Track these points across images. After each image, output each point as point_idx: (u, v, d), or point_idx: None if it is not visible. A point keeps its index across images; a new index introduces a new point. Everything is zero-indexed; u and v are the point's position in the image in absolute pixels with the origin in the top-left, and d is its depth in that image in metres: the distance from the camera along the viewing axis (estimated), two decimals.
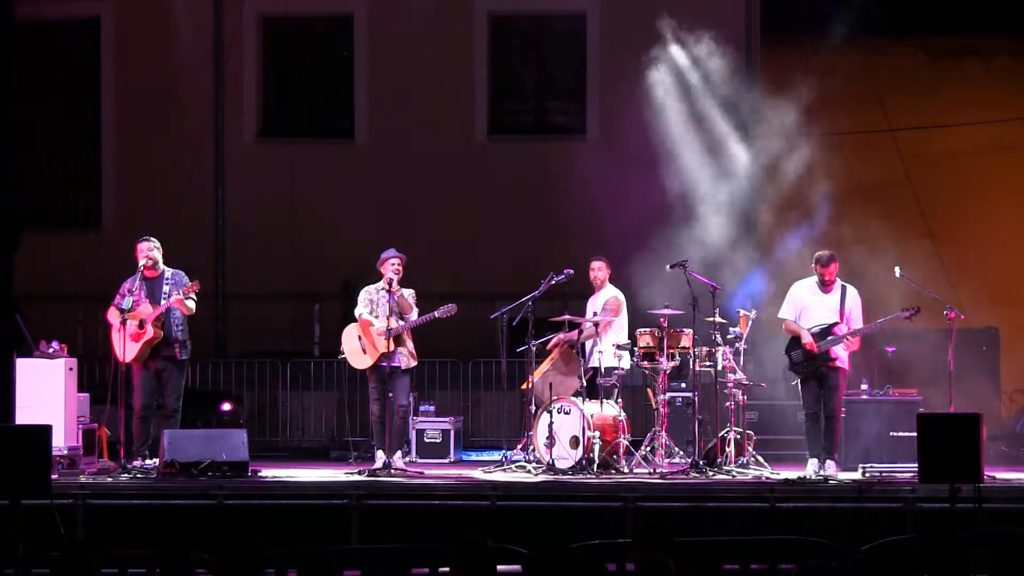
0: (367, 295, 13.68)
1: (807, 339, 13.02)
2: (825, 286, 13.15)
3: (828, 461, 12.98)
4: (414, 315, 13.46)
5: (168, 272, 13.48)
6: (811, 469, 12.92)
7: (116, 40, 19.78)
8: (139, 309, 13.29)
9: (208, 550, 7.81)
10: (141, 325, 13.23)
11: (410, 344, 13.59)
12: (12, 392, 13.40)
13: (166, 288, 13.35)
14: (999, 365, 17.23)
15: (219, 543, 6.96)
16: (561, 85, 19.80)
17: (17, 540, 10.73)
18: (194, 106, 19.30)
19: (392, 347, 13.29)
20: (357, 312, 13.71)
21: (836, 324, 13.06)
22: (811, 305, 13.18)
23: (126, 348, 13.22)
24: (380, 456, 13.47)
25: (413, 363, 13.65)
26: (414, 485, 12.71)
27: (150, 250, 13.49)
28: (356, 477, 12.91)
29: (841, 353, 13.06)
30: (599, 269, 14.14)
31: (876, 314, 13.29)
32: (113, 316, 13.47)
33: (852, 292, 13.18)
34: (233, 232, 19.46)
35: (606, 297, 14.07)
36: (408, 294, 13.61)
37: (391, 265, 13.48)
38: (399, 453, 13.62)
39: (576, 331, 14.14)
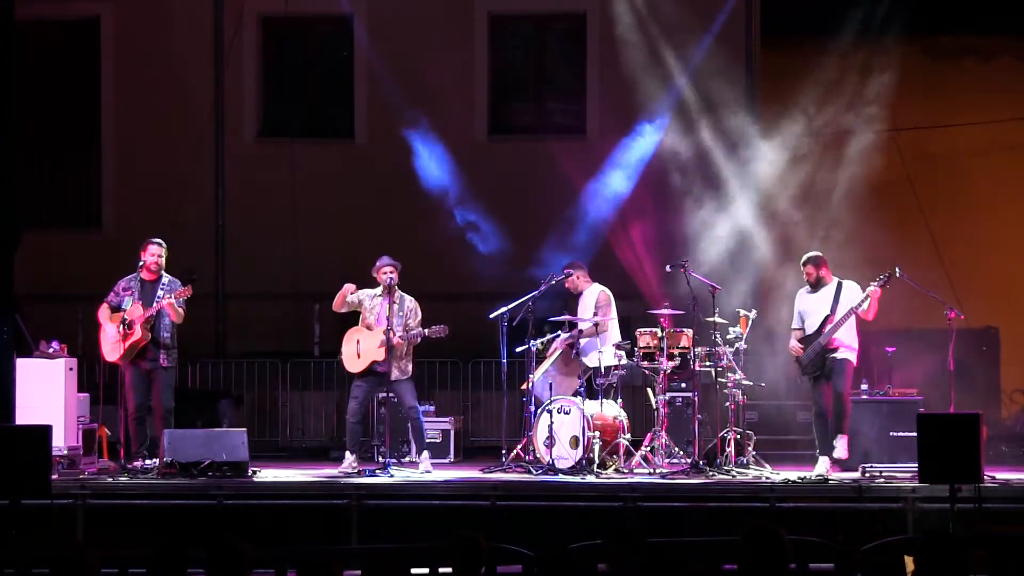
0: (357, 298, 13.65)
1: (792, 348, 13.31)
2: (812, 288, 13.27)
3: (840, 438, 12.99)
4: (400, 337, 13.45)
5: (166, 279, 13.45)
6: (822, 467, 12.93)
7: (116, 40, 19.76)
8: (130, 310, 13.29)
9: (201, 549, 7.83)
10: (130, 326, 13.21)
11: (404, 360, 13.55)
12: (12, 392, 13.41)
13: (160, 293, 13.32)
14: (999, 365, 17.23)
15: (208, 543, 6.95)
16: (561, 85, 19.79)
17: (17, 540, 10.74)
18: (194, 106, 19.28)
19: (385, 355, 13.29)
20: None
21: (828, 317, 13.13)
22: (807, 308, 13.33)
23: (113, 348, 13.23)
24: (348, 457, 13.44)
25: (403, 377, 13.61)
26: (414, 485, 12.71)
27: (160, 255, 13.47)
28: (356, 477, 12.92)
29: (845, 341, 13.10)
30: (571, 277, 14.12)
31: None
32: (103, 314, 13.45)
33: (847, 286, 13.24)
34: (233, 232, 19.45)
35: (593, 296, 14.07)
36: (410, 301, 13.60)
37: (384, 272, 13.50)
38: (426, 454, 13.65)
39: (576, 331, 14.13)
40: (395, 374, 13.40)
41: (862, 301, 12.97)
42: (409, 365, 13.57)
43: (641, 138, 17.68)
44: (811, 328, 13.22)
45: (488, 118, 19.58)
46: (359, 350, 13.51)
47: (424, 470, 13.38)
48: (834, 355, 13.09)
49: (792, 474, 12.73)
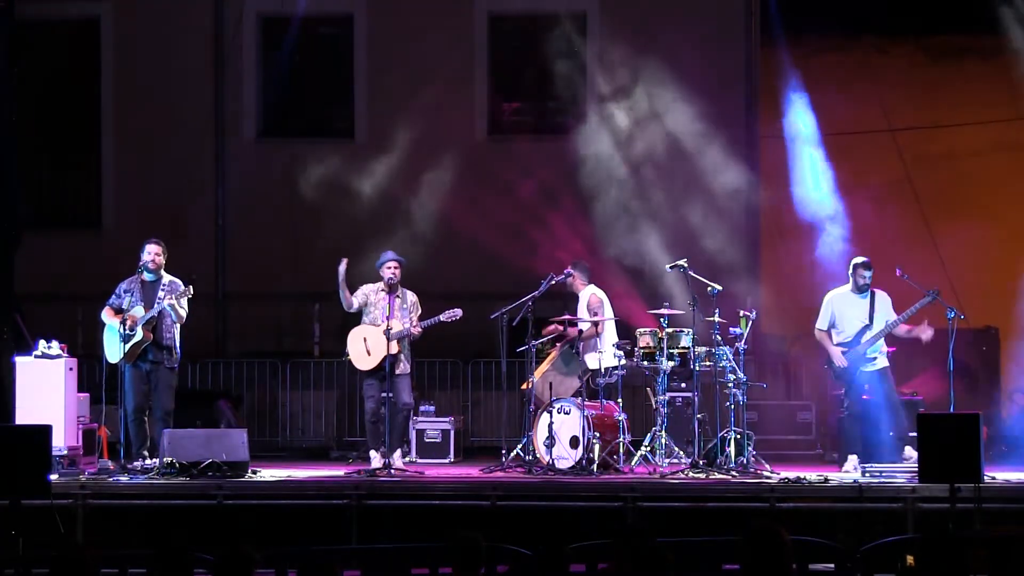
0: (363, 294, 13.69)
1: (838, 361, 13.28)
2: (860, 291, 13.28)
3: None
4: (418, 328, 13.47)
5: (166, 279, 13.45)
6: (851, 466, 12.97)
7: (116, 40, 19.76)
8: (132, 311, 13.27)
9: (207, 551, 7.82)
10: (132, 327, 13.20)
11: (405, 354, 13.59)
12: (12, 392, 13.41)
13: (161, 294, 13.33)
14: (999, 365, 17.23)
15: (216, 548, 6.95)
16: (561, 85, 19.76)
17: (17, 540, 10.73)
18: (194, 106, 19.29)
19: (396, 349, 13.31)
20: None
21: (866, 326, 13.22)
22: (847, 313, 13.35)
23: (115, 349, 13.22)
24: (375, 456, 13.47)
25: (405, 372, 13.62)
26: (414, 485, 12.71)
27: (159, 254, 13.47)
28: (356, 477, 12.91)
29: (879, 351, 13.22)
30: (570, 277, 14.15)
31: None
32: (107, 315, 13.44)
33: (880, 297, 13.32)
34: (233, 232, 19.45)
35: (586, 298, 14.09)
36: (412, 296, 13.63)
37: (388, 268, 13.54)
38: (398, 452, 13.63)
39: (576, 330, 14.13)
40: (399, 368, 13.44)
41: (903, 319, 13.10)
42: (408, 360, 13.60)
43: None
44: (848, 333, 13.29)
45: (488, 118, 19.57)
46: (368, 347, 13.51)
47: (396, 467, 13.29)
48: (872, 364, 13.21)
49: (792, 474, 12.72)
